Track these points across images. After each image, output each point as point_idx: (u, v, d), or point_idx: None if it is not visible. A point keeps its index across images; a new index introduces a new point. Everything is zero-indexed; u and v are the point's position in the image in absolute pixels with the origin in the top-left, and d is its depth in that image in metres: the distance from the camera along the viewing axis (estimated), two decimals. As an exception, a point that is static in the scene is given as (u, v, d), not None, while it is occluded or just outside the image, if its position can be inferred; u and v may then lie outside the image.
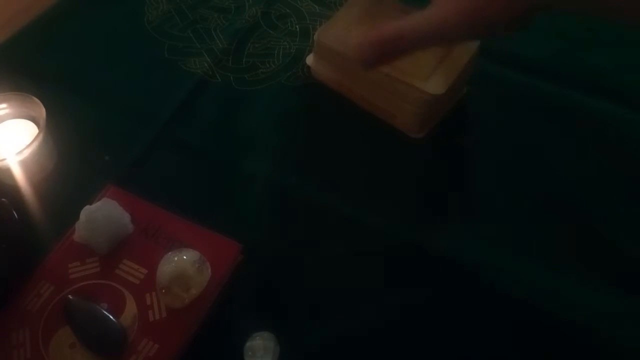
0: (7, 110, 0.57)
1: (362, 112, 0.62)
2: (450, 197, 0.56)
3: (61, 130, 0.58)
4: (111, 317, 0.46)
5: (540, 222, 0.54)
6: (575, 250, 0.52)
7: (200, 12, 0.72)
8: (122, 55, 0.68)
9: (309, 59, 0.64)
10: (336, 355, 0.47)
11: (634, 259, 0.51)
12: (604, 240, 0.53)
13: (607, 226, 0.54)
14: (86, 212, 0.50)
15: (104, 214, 0.50)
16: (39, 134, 0.53)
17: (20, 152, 0.52)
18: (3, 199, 0.50)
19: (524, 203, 0.55)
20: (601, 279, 0.50)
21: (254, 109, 0.63)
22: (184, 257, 0.47)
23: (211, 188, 0.57)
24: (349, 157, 0.59)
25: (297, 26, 0.70)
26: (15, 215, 0.50)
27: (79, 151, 0.59)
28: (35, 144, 0.53)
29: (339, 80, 0.62)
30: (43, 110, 0.54)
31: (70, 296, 0.48)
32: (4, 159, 0.52)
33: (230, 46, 0.68)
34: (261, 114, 0.62)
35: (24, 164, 0.54)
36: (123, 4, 0.73)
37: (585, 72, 0.64)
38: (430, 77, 0.56)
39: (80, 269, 0.49)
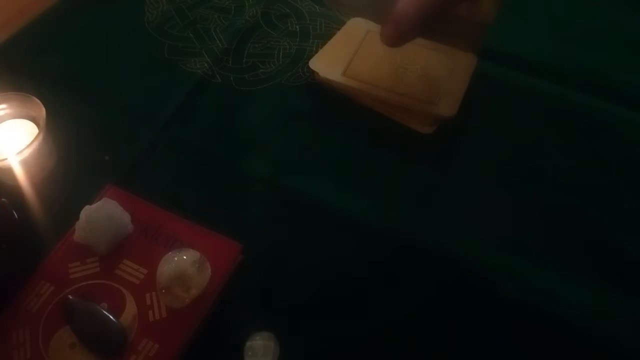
0: (7, 110, 0.57)
1: (363, 113, 0.62)
2: (451, 198, 0.56)
3: (61, 130, 0.58)
4: (111, 317, 0.46)
5: (541, 222, 0.54)
6: (576, 251, 0.52)
7: (200, 12, 0.72)
8: (122, 55, 0.68)
9: (313, 63, 0.64)
10: (336, 355, 0.47)
11: (634, 260, 0.52)
12: (604, 241, 0.53)
13: (608, 226, 0.54)
14: (86, 212, 0.50)
15: (104, 214, 0.50)
16: (39, 134, 0.53)
17: (20, 152, 0.52)
18: (3, 199, 0.50)
19: (525, 203, 0.55)
20: (601, 279, 0.50)
21: (254, 109, 0.63)
22: (184, 257, 0.47)
23: (211, 188, 0.57)
24: (349, 157, 0.59)
25: (297, 26, 0.70)
26: (15, 215, 0.50)
27: (79, 151, 0.59)
28: (35, 144, 0.53)
29: (350, 81, 0.62)
30: (43, 110, 0.54)
31: (70, 296, 0.48)
32: (4, 159, 0.52)
33: (230, 46, 0.68)
34: (261, 114, 0.62)
35: (24, 164, 0.54)
36: (123, 4, 0.73)
37: (585, 72, 0.64)
38: None
39: (80, 269, 0.49)
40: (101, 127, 0.61)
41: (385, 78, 0.62)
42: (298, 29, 0.70)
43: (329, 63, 0.64)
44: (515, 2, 0.57)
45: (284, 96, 0.63)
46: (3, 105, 0.56)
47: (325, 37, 0.68)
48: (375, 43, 0.64)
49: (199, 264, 0.47)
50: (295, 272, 0.51)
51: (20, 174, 0.54)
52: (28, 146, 0.53)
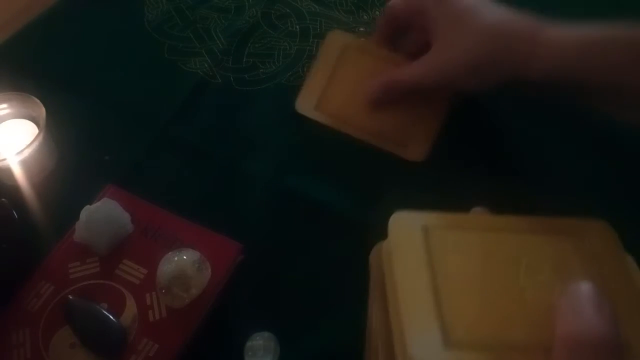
0: (7, 110, 0.57)
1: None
2: (449, 197, 0.56)
3: (61, 130, 0.58)
4: (111, 317, 0.46)
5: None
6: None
7: (200, 12, 0.72)
8: (122, 55, 0.68)
9: (298, 105, 0.60)
10: (336, 356, 0.47)
11: (634, 259, 0.51)
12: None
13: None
14: (86, 212, 0.50)
15: (104, 214, 0.50)
16: (39, 134, 0.53)
17: (21, 152, 0.52)
18: (3, 199, 0.50)
19: (524, 203, 0.55)
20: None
21: (254, 109, 0.63)
22: (184, 257, 0.47)
23: (211, 188, 0.57)
24: (349, 157, 0.59)
25: (297, 26, 0.70)
26: (15, 215, 0.50)
27: (79, 151, 0.59)
28: (35, 144, 0.53)
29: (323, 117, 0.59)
30: (43, 110, 0.54)
31: (70, 296, 0.48)
32: (4, 159, 0.52)
33: (230, 46, 0.68)
34: (261, 114, 0.62)
35: (24, 164, 0.54)
36: (123, 4, 0.73)
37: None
38: None
39: (80, 269, 0.49)
40: (101, 127, 0.61)
41: (356, 114, 0.58)
42: (298, 29, 0.70)
43: (307, 97, 0.60)
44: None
45: (284, 96, 0.63)
46: (3, 105, 0.56)
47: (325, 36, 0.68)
48: (349, 67, 0.59)
49: (199, 264, 0.47)
50: (295, 272, 0.51)
51: (20, 174, 0.54)
52: (28, 146, 0.53)
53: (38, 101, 0.55)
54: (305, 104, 0.59)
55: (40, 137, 0.54)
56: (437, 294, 0.34)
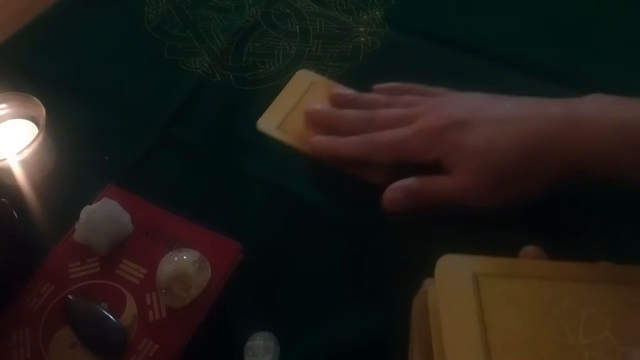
0: (7, 110, 0.57)
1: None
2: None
3: (61, 130, 0.58)
4: (111, 317, 0.46)
5: (538, 225, 0.54)
6: (575, 252, 0.52)
7: (200, 12, 0.72)
8: (122, 55, 0.68)
9: (260, 124, 0.59)
10: (337, 355, 0.47)
11: (635, 260, 0.51)
12: (603, 241, 0.53)
13: (608, 226, 0.54)
14: (86, 212, 0.50)
15: (104, 214, 0.50)
16: (39, 134, 0.53)
17: (20, 152, 0.52)
18: (3, 199, 0.50)
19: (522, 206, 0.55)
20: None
21: (254, 109, 0.63)
22: (184, 257, 0.47)
23: (211, 188, 0.57)
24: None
25: (297, 26, 0.70)
26: (15, 215, 0.50)
27: (79, 151, 0.59)
28: (35, 144, 0.53)
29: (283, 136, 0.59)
30: (43, 110, 0.54)
31: (70, 296, 0.48)
32: (4, 159, 0.52)
33: (230, 46, 0.68)
34: (261, 113, 0.62)
35: (24, 164, 0.54)
36: (123, 4, 0.73)
37: (581, 72, 0.64)
38: None
39: (80, 269, 0.49)
40: (101, 127, 0.61)
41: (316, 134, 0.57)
42: (298, 29, 0.70)
43: (270, 118, 0.60)
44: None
45: (284, 96, 0.63)
46: (3, 105, 0.56)
47: (325, 37, 0.68)
48: (316, 97, 0.60)
49: (199, 264, 0.47)
50: (295, 272, 0.51)
51: (20, 174, 0.54)
52: (28, 146, 0.53)
53: (38, 101, 0.55)
54: (268, 124, 0.59)
55: (40, 137, 0.54)
56: (488, 352, 0.32)
